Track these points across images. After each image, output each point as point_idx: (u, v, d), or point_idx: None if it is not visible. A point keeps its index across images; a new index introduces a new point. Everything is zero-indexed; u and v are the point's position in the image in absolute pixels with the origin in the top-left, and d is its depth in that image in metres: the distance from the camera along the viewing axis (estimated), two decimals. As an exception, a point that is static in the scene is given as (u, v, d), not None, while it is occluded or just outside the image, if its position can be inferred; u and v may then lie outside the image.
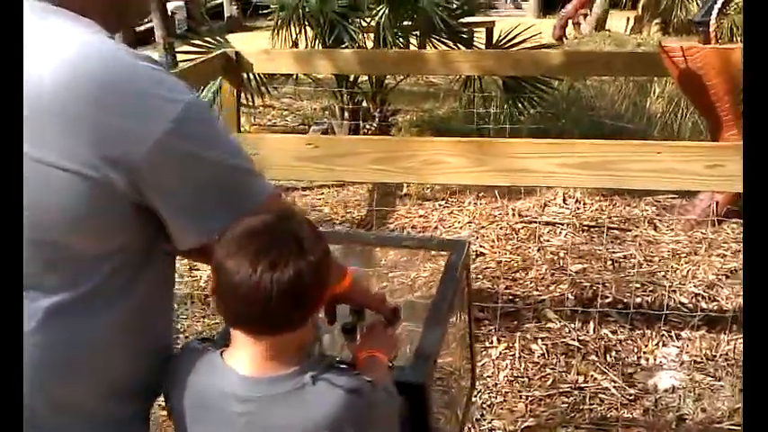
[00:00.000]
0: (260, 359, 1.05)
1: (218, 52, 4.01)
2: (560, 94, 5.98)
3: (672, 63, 3.23)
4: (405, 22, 5.18)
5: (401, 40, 5.14)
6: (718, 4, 3.13)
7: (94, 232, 0.98)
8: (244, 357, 1.05)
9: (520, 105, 5.18)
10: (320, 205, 4.61)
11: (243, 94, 5.70)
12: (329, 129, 5.64)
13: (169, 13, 12.84)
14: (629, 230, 3.96)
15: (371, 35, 5.16)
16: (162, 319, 1.16)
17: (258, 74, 5.71)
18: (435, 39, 5.15)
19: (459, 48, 5.15)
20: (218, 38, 5.31)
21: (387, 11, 4.85)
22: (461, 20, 5.38)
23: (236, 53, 3.90)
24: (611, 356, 2.85)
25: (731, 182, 2.03)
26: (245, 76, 4.69)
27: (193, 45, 5.34)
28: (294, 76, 6.41)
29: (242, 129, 4.66)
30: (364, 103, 5.49)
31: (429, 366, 1.36)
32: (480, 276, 3.47)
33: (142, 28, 11.06)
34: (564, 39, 10.13)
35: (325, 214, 4.45)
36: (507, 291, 3.32)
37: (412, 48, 5.23)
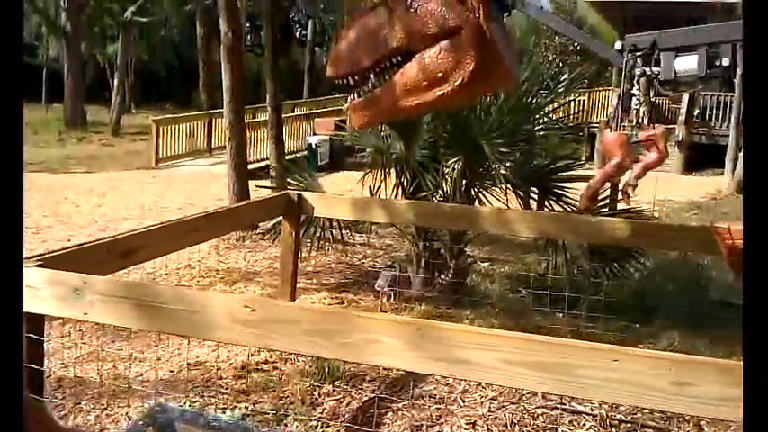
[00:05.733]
0: None
1: (281, 193, 4.12)
2: (651, 267, 5.51)
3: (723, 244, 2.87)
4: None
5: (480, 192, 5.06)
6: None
7: None
8: None
9: (603, 274, 4.85)
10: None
11: (320, 231, 5.75)
12: (401, 276, 5.39)
13: (313, 147, 13.68)
14: (671, 432, 3.30)
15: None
16: None
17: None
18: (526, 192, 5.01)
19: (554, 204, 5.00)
20: (306, 176, 5.51)
21: (461, 164, 4.82)
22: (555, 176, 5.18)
23: (299, 195, 3.96)
24: None
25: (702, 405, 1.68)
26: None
27: (293, 179, 5.57)
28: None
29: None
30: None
31: None
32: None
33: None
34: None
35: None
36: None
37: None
